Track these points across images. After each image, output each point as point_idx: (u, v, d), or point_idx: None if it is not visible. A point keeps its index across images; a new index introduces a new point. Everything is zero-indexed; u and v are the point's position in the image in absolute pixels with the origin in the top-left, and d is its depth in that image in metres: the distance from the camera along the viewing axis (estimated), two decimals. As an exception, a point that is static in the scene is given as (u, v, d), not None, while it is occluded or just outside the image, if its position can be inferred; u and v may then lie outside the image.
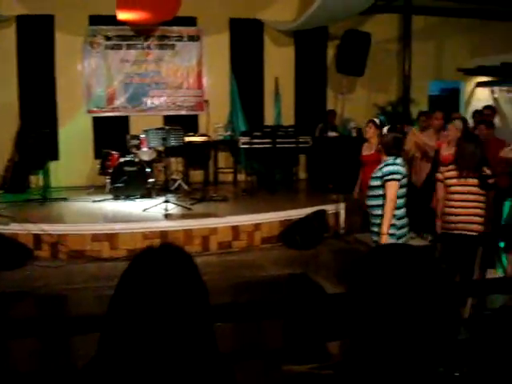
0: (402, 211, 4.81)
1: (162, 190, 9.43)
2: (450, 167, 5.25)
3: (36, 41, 10.87)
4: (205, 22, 11.43)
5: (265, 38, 11.82)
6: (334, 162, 9.58)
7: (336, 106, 11.63)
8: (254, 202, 9.16)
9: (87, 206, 8.81)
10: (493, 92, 12.09)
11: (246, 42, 11.71)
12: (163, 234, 7.43)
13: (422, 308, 1.11)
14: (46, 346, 4.63)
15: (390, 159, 4.83)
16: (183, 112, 11.56)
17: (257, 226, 7.96)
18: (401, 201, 4.79)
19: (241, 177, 11.24)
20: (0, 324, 2.99)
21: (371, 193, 4.91)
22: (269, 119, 11.67)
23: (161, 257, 1.20)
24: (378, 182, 4.80)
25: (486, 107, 8.95)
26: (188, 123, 10.75)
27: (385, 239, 4.54)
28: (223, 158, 11.62)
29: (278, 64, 11.73)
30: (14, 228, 7.38)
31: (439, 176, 5.40)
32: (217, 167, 11.41)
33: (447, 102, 11.87)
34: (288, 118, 11.60)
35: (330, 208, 8.43)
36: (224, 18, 11.50)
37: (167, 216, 7.95)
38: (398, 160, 4.84)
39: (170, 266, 1.18)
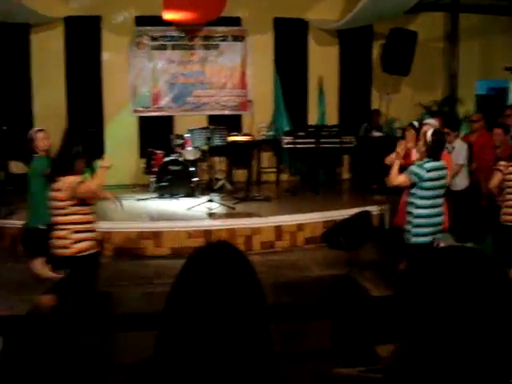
0: (420, 211, 5.00)
1: (206, 189, 9.50)
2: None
3: (83, 42, 11.09)
4: (249, 22, 11.46)
5: (309, 37, 11.77)
6: (379, 163, 9.44)
7: (381, 106, 11.49)
8: (297, 202, 9.12)
9: (133, 204, 8.93)
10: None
11: (290, 41, 11.69)
12: (207, 232, 7.46)
13: (484, 312, 1.07)
14: (91, 343, 4.70)
15: (425, 160, 5.00)
16: (227, 112, 11.61)
17: (300, 227, 7.92)
18: (422, 202, 4.98)
19: (284, 177, 11.23)
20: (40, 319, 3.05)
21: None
22: (312, 119, 11.61)
23: (218, 255, 1.20)
24: None
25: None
26: (232, 123, 10.80)
27: None
28: (266, 158, 11.62)
29: (322, 63, 11.66)
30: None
31: (501, 167, 5.64)
32: (260, 167, 11.42)
33: (495, 101, 11.59)
34: (332, 118, 11.52)
35: (374, 209, 8.32)
36: (268, 18, 11.50)
37: (211, 215, 8.00)
38: (428, 164, 4.96)
39: (227, 264, 1.18)
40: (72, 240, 4.51)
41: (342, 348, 2.21)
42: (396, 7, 9.75)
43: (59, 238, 4.56)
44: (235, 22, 11.43)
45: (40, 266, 6.20)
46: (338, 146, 10.12)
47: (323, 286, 6.22)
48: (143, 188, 10.21)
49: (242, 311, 1.13)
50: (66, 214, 4.50)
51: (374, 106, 11.81)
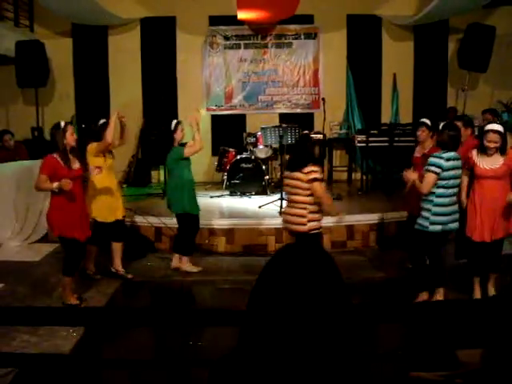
0: (440, 200, 5.14)
1: (277, 187, 9.50)
2: None
3: (158, 42, 11.38)
4: (322, 20, 11.40)
5: (382, 33, 11.57)
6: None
7: (457, 103, 11.16)
8: (369, 202, 8.99)
9: (205, 201, 9.06)
10: None
11: (363, 38, 11.53)
12: (278, 230, 7.47)
13: None
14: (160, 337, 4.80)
15: (442, 152, 5.19)
16: (299, 110, 11.59)
17: (372, 226, 7.81)
18: (440, 191, 5.13)
19: (356, 175, 11.09)
20: (122, 312, 3.13)
21: None
22: (386, 117, 11.41)
23: (303, 254, 1.19)
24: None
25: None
26: (303, 121, 10.76)
27: None
28: (338, 157, 11.53)
29: (397, 60, 11.44)
30: (136, 220, 7.75)
31: None
32: (332, 165, 11.33)
33: None
34: (406, 116, 11.29)
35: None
36: (341, 15, 11.40)
37: (282, 213, 7.99)
38: (446, 154, 5.12)
39: (312, 263, 1.17)
40: (308, 218, 5.27)
41: (422, 351, 2.17)
42: (474, 1, 9.45)
43: (297, 215, 5.33)
44: (308, 19, 11.38)
45: (181, 262, 6.64)
46: (413, 144, 9.87)
47: (395, 287, 6.10)
48: (215, 185, 10.34)
49: (325, 309, 1.12)
50: (307, 195, 5.24)
51: (450, 103, 11.48)
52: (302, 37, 11.53)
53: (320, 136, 9.98)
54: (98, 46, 11.35)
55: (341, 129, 11.15)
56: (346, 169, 11.27)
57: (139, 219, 7.76)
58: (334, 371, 1.10)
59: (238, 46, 11.53)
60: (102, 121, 6.41)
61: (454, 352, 1.96)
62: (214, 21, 11.37)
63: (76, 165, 5.35)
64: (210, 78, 11.58)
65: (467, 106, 10.69)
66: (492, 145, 5.18)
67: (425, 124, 6.64)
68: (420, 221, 5.28)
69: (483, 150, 5.28)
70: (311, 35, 11.50)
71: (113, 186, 6.33)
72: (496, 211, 5.25)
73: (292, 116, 11.11)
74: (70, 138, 5.29)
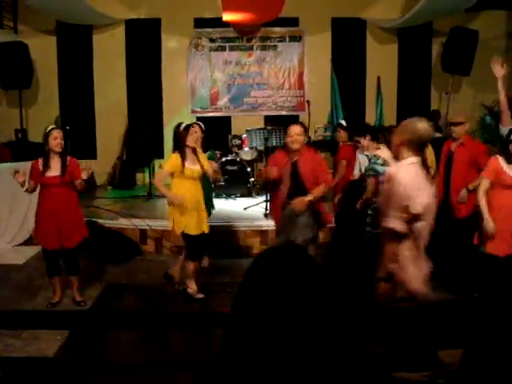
0: None
1: (262, 189, 9.51)
2: None
3: (143, 43, 11.38)
4: (307, 22, 11.45)
5: (367, 36, 11.65)
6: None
7: (441, 106, 11.26)
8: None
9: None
10: None
11: (348, 41, 11.60)
12: (263, 232, 7.49)
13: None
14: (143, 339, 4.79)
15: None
16: (284, 112, 11.63)
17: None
18: None
19: (340, 177, 11.13)
20: (105, 315, 3.13)
21: None
22: (370, 119, 11.45)
23: (284, 256, 1.21)
24: None
25: None
26: (289, 123, 10.72)
27: None
28: (324, 158, 11.55)
29: (381, 62, 11.52)
30: (121, 223, 7.72)
31: None
32: (316, 167, 11.34)
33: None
34: (390, 118, 11.34)
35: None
36: (326, 18, 11.45)
37: (267, 215, 8.01)
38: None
39: (294, 266, 1.19)
40: None
41: (405, 352, 2.19)
42: (457, 4, 9.55)
43: None
44: (293, 22, 11.42)
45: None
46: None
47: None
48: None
49: (307, 311, 1.14)
50: None
51: (434, 106, 11.59)
52: (287, 39, 11.57)
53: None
54: (83, 46, 11.30)
55: (325, 131, 11.19)
56: (331, 170, 11.29)
57: (124, 221, 7.73)
58: (318, 373, 1.12)
59: (223, 49, 11.54)
60: (183, 124, 5.92)
61: (436, 353, 1.99)
62: (199, 23, 11.38)
63: (56, 172, 5.21)
64: (195, 80, 11.58)
65: (450, 109, 10.79)
66: None
67: (340, 125, 6.97)
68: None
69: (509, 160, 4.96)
70: (296, 38, 11.54)
71: (200, 198, 5.77)
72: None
73: (277, 118, 11.14)
74: (53, 142, 5.18)
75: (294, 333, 1.11)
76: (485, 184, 5.02)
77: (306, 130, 5.70)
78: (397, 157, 3.94)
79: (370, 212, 5.88)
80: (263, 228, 7.61)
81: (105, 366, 3.44)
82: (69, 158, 5.34)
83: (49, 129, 5.25)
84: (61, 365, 3.40)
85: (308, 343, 1.12)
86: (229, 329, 1.19)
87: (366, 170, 6.21)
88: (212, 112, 11.57)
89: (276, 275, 1.17)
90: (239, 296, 1.20)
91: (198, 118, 11.43)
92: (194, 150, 5.57)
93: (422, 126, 3.77)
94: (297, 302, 1.13)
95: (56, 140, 5.20)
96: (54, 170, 5.21)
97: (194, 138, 5.58)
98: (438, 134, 10.19)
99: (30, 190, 5.33)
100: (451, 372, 1.37)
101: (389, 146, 5.50)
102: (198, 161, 5.57)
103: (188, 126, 5.61)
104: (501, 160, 5.00)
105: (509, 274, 4.78)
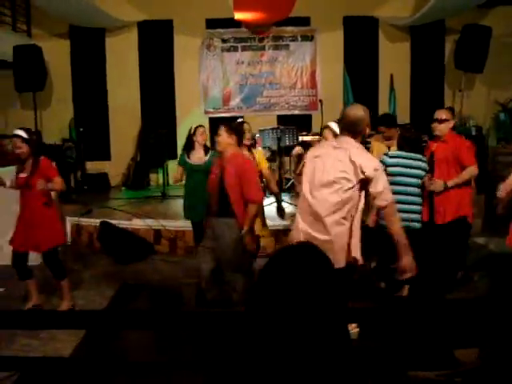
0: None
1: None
2: None
3: (156, 45, 11.43)
4: (318, 21, 11.44)
5: (379, 34, 11.62)
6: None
7: (454, 104, 11.20)
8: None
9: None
10: None
11: (360, 39, 11.58)
12: (276, 232, 7.49)
13: None
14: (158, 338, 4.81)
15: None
16: (297, 112, 11.62)
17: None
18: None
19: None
20: (119, 314, 3.14)
21: None
22: (383, 117, 11.44)
23: (299, 256, 1.21)
24: None
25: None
26: (301, 122, 10.78)
27: None
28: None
29: (393, 60, 11.48)
30: (136, 223, 7.76)
31: None
32: (330, 167, 11.32)
33: None
34: (403, 116, 11.31)
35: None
36: (338, 17, 11.44)
37: (282, 215, 8.00)
38: (391, 152, 5.58)
39: (308, 265, 1.19)
40: None
41: (421, 351, 2.18)
42: (469, 1, 9.50)
43: None
44: (304, 21, 11.42)
45: None
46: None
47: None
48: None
49: (320, 311, 1.14)
50: None
51: (447, 103, 11.52)
52: (299, 39, 11.57)
53: (317, 137, 10.00)
54: (96, 49, 11.39)
55: (339, 130, 11.15)
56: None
57: (138, 222, 7.77)
58: (327, 371, 1.12)
59: (235, 49, 11.56)
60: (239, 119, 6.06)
61: (452, 351, 1.98)
62: (211, 24, 11.41)
63: (26, 173, 5.17)
64: (207, 81, 11.61)
65: (464, 107, 10.73)
66: None
67: (327, 127, 6.35)
68: None
69: None
70: (308, 37, 11.53)
71: None
72: None
73: (290, 118, 11.15)
74: (14, 147, 5.19)
75: (307, 331, 1.12)
76: None
77: (234, 131, 4.86)
78: None
79: None
80: (277, 228, 7.61)
81: (120, 365, 3.46)
82: (42, 158, 5.25)
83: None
84: (77, 364, 3.43)
85: (321, 342, 1.12)
86: (244, 327, 1.20)
87: None
88: (224, 112, 11.59)
89: (291, 274, 1.17)
90: (254, 295, 1.20)
91: (211, 119, 11.49)
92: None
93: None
94: (312, 301, 1.14)
95: (16, 144, 5.16)
96: (26, 171, 5.19)
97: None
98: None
99: (9, 187, 5.32)
100: (468, 371, 1.37)
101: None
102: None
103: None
104: None
105: None
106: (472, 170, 5.33)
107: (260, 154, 5.95)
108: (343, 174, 3.72)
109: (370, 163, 3.74)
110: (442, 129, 5.53)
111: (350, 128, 3.95)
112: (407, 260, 3.64)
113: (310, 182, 3.90)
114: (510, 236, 4.79)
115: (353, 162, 3.70)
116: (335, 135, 6.18)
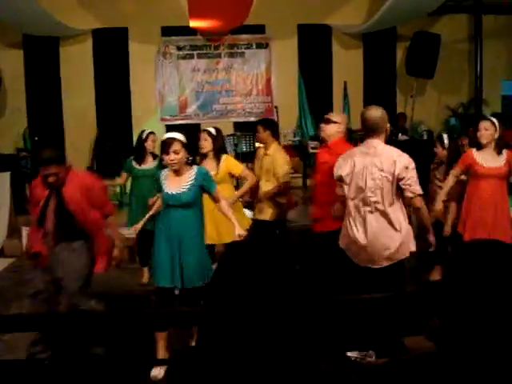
0: None
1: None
2: None
3: (111, 53, 11.35)
4: (273, 29, 11.58)
5: (333, 42, 11.84)
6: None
7: (406, 109, 11.48)
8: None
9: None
10: None
11: (314, 47, 11.76)
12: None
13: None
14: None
15: None
16: (253, 118, 11.69)
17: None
18: None
19: (311, 181, 11.27)
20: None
21: None
22: (338, 123, 11.62)
23: (252, 250, 1.27)
24: None
25: None
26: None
27: None
28: (293, 164, 11.65)
29: (347, 67, 11.70)
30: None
31: None
32: (286, 172, 11.43)
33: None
34: (358, 122, 11.45)
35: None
36: (292, 25, 11.60)
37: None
38: None
39: (262, 260, 1.24)
40: None
41: (372, 339, 2.27)
42: (419, 9, 9.77)
43: None
44: (259, 29, 11.54)
45: None
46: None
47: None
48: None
49: (278, 305, 1.18)
50: None
51: (400, 109, 11.80)
52: (254, 46, 11.69)
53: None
54: (50, 58, 11.23)
55: (294, 136, 11.31)
56: (300, 175, 11.41)
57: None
58: (283, 366, 1.17)
59: (191, 56, 11.60)
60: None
61: (401, 339, 2.08)
62: (167, 31, 11.42)
63: None
64: (163, 89, 11.61)
65: (415, 112, 11.02)
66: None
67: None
68: None
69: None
70: (263, 45, 11.67)
71: None
72: None
73: (247, 124, 11.21)
74: None
75: (266, 326, 1.16)
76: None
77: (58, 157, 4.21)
78: None
79: None
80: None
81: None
82: None
83: None
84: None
85: (278, 336, 1.17)
86: (204, 320, 1.24)
87: None
88: (181, 120, 11.60)
89: (243, 269, 1.22)
90: (211, 287, 1.25)
91: (168, 126, 11.46)
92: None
93: None
94: (266, 295, 1.18)
95: None
96: None
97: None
98: (404, 137, 10.40)
99: None
100: (417, 356, 1.45)
101: None
102: None
103: None
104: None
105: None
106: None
107: (230, 159, 5.88)
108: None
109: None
110: (326, 130, 5.12)
111: (372, 130, 4.11)
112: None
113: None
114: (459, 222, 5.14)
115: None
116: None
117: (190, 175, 4.26)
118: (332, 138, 5.08)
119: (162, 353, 4.10)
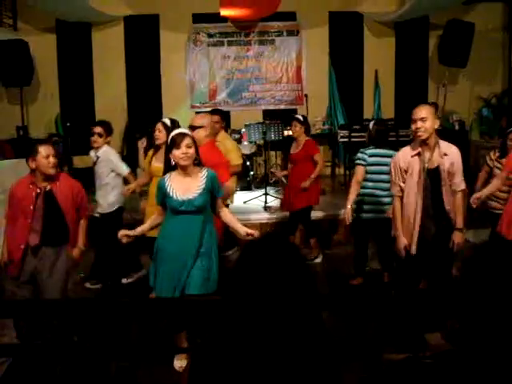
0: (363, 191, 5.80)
1: (262, 182, 9.61)
2: None
3: (142, 40, 11.42)
4: (304, 17, 11.51)
5: (364, 30, 11.71)
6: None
7: (438, 99, 11.33)
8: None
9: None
10: None
11: (346, 34, 11.66)
12: (263, 225, 7.59)
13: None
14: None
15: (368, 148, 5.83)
16: (282, 106, 11.70)
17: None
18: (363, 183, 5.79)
19: (339, 171, 11.25)
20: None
21: None
22: (368, 112, 11.56)
23: (269, 246, 1.29)
24: None
25: None
26: (287, 117, 10.85)
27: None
28: (322, 152, 11.63)
29: (378, 56, 11.59)
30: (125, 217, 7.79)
31: None
32: (315, 161, 11.42)
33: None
34: (388, 111, 11.43)
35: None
36: (323, 12, 11.51)
37: (266, 208, 8.13)
38: (369, 150, 5.82)
39: (279, 255, 1.27)
40: None
41: (394, 334, 2.28)
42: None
43: None
44: (290, 16, 11.49)
45: None
46: (395, 139, 10.03)
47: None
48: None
49: (293, 298, 1.21)
50: None
51: (431, 98, 11.65)
52: (285, 34, 11.64)
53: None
54: (82, 44, 11.36)
55: (324, 124, 11.27)
56: (329, 164, 11.39)
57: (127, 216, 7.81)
58: (298, 356, 1.19)
59: (221, 44, 11.62)
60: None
61: (423, 335, 2.09)
62: (198, 18, 11.44)
63: None
64: (193, 76, 11.66)
65: (447, 101, 10.87)
66: None
67: (296, 119, 6.75)
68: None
69: None
70: (293, 32, 11.61)
71: None
72: None
73: (276, 112, 11.22)
74: None
75: (278, 316, 1.19)
76: None
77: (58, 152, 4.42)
78: None
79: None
80: (263, 221, 7.72)
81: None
82: None
83: None
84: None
85: (292, 328, 1.19)
86: (220, 315, 1.27)
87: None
88: (211, 107, 11.58)
89: (261, 264, 1.24)
90: (230, 284, 1.28)
91: (198, 113, 11.51)
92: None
93: None
94: (282, 289, 1.21)
95: None
96: None
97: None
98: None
99: None
100: (439, 353, 1.47)
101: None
102: None
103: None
104: None
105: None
106: None
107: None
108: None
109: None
110: (195, 135, 4.63)
111: None
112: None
113: None
114: (500, 223, 5.06)
115: None
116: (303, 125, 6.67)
117: (202, 177, 3.94)
118: (202, 141, 4.99)
119: (182, 342, 4.11)
